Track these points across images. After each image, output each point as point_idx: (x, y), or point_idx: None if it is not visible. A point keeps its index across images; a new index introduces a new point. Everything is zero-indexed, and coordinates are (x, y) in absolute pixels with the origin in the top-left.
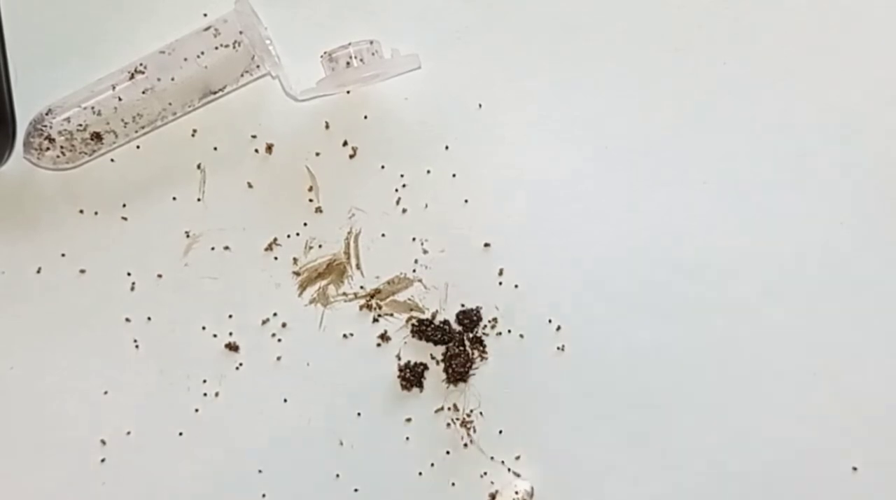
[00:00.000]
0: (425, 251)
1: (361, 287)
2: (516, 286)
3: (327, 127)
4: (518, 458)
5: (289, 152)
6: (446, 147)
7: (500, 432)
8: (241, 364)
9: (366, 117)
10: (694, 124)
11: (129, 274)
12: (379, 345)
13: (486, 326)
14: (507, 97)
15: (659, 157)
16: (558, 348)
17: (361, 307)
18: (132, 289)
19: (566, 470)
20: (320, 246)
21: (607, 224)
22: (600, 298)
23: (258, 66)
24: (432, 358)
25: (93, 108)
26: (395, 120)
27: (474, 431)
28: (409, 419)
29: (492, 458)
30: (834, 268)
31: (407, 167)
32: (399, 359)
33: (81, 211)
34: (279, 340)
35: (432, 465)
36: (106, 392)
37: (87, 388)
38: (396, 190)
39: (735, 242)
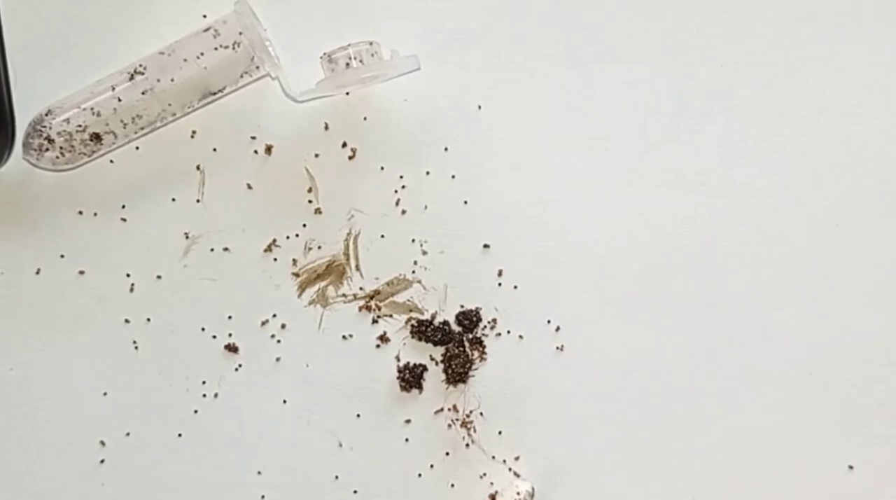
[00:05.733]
0: (425, 252)
1: (361, 288)
2: (516, 287)
3: (327, 128)
4: (518, 458)
5: (288, 153)
6: (446, 148)
7: (500, 432)
8: (240, 365)
9: (365, 119)
10: (692, 125)
11: (128, 275)
12: (378, 346)
13: (485, 326)
14: (507, 99)
15: (658, 157)
16: (558, 349)
17: (361, 308)
18: (131, 290)
19: (566, 470)
20: (320, 247)
21: (607, 224)
22: (600, 298)
23: (258, 68)
24: (431, 359)
25: (92, 109)
26: (394, 121)
27: (474, 431)
28: (408, 421)
29: (493, 457)
30: (831, 268)
31: (406, 168)
32: (398, 360)
33: (81, 212)
34: (278, 341)
35: (432, 466)
36: (105, 393)
37: (87, 389)
38: (396, 191)
39: (733, 243)
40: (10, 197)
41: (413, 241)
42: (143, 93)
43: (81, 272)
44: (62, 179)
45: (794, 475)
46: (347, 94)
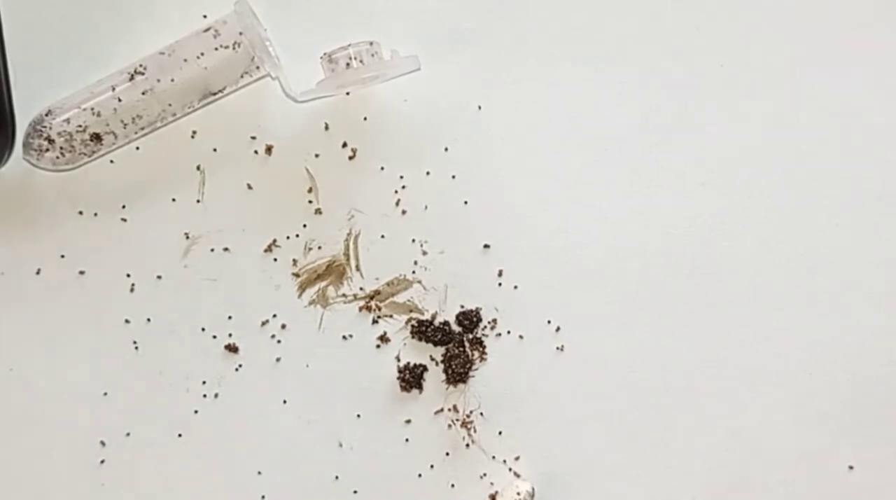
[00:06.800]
0: (425, 253)
1: (361, 288)
2: (516, 287)
3: (327, 128)
4: (518, 458)
5: (288, 154)
6: (446, 149)
7: (500, 432)
8: (240, 366)
9: (365, 119)
10: (692, 125)
11: (128, 275)
12: (378, 346)
13: (485, 327)
14: (507, 99)
15: (658, 158)
16: (558, 349)
17: (361, 309)
18: (132, 290)
19: (566, 470)
20: (320, 247)
21: (607, 224)
22: (600, 298)
23: (258, 68)
24: (432, 359)
25: (92, 109)
26: (394, 121)
27: (474, 431)
28: (408, 421)
29: (493, 457)
30: (831, 268)
31: (406, 169)
32: (399, 360)
33: (81, 212)
34: (279, 341)
35: (432, 467)
36: (105, 393)
37: (87, 389)
38: (396, 191)
39: (733, 243)
40: (10, 197)
41: (413, 241)
42: (143, 93)
43: (81, 272)
44: (62, 179)
45: (794, 475)
46: (347, 94)
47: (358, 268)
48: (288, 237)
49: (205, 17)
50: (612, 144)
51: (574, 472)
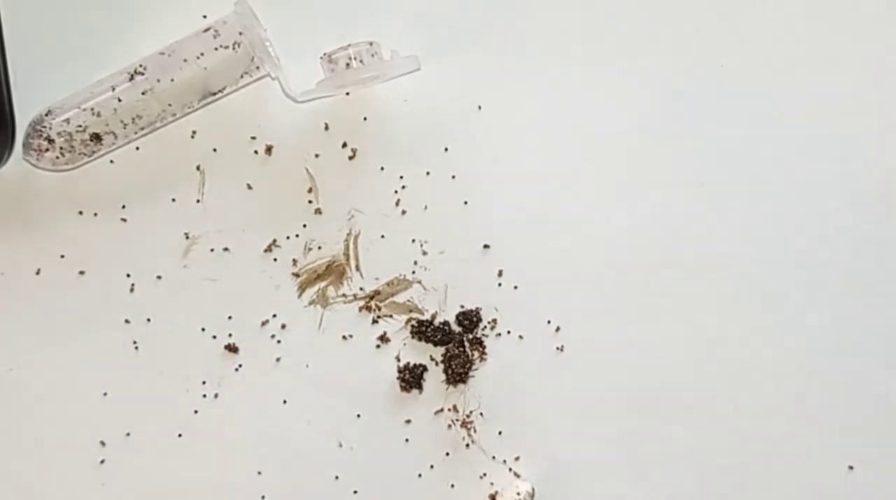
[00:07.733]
0: (425, 253)
1: (361, 288)
2: (516, 287)
3: (327, 128)
4: (518, 458)
5: (288, 154)
6: (446, 149)
7: (500, 433)
8: (240, 366)
9: (365, 119)
10: (692, 126)
11: (128, 275)
12: (378, 346)
13: (485, 327)
14: (507, 99)
15: (657, 158)
16: (558, 349)
17: (361, 309)
18: (131, 290)
19: (566, 470)
20: (320, 247)
21: (607, 225)
22: (600, 298)
23: (258, 68)
24: (432, 359)
25: (92, 109)
26: (394, 121)
27: (474, 431)
28: (408, 421)
29: (493, 457)
30: (830, 269)
31: (406, 169)
32: (398, 360)
33: (81, 212)
34: (279, 341)
35: (432, 467)
36: (105, 394)
37: (87, 389)
38: (396, 191)
39: (733, 244)
40: (10, 197)
41: (413, 241)
42: (143, 93)
43: (81, 273)
44: (62, 179)
45: (794, 475)
46: (347, 94)
47: (358, 268)
48: (288, 237)
49: (205, 17)
50: (611, 144)
51: (574, 472)
